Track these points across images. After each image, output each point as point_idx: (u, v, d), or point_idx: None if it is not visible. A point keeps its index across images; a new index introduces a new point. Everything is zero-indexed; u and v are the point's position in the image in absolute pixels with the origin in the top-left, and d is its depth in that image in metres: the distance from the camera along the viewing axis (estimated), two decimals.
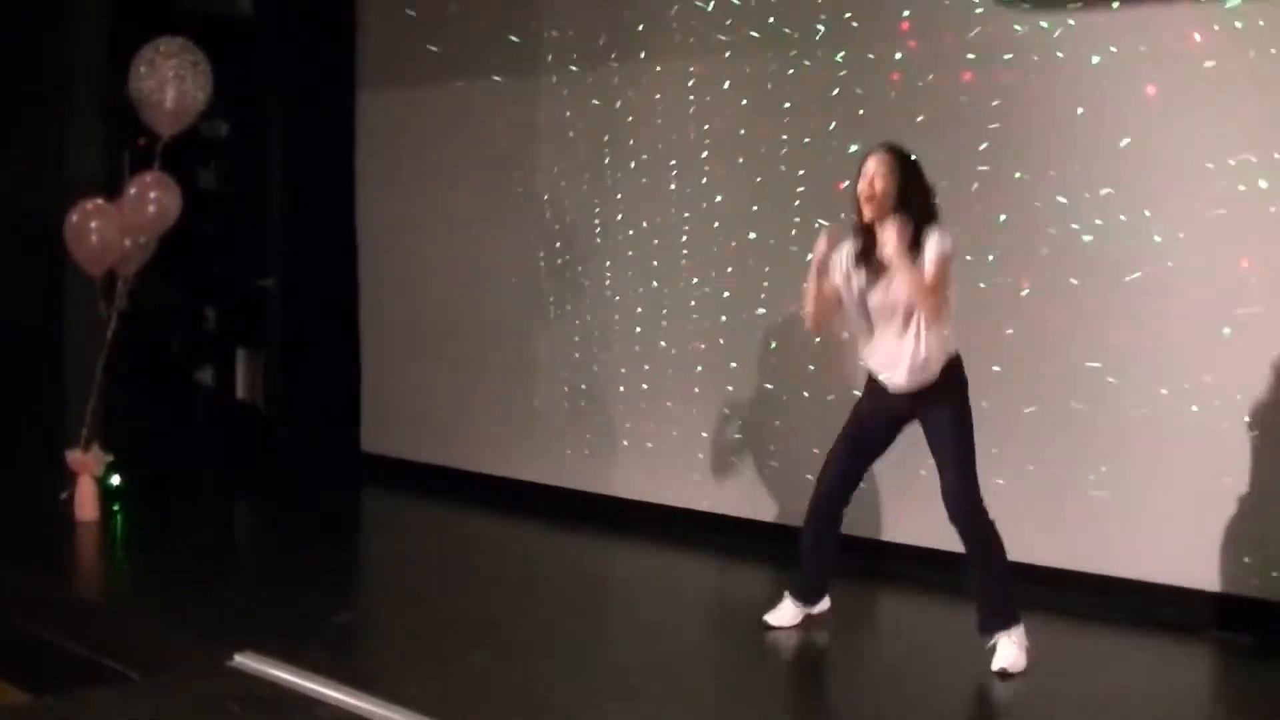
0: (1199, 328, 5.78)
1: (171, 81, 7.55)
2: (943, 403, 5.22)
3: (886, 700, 5.04)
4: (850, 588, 5.99)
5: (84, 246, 7.60)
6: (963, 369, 5.28)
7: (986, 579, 5.26)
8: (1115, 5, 5.93)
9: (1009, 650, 5.19)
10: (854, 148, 6.31)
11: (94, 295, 7.79)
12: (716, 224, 7.33)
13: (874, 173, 5.23)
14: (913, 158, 5.30)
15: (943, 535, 5.40)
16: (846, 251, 5.37)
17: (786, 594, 5.74)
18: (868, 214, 5.25)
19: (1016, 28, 6.22)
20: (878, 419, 5.41)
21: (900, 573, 6.53)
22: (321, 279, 9.27)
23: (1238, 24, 5.64)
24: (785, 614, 5.71)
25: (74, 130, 8.08)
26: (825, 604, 5.74)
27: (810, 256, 5.43)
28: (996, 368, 6.25)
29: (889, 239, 5.09)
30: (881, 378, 5.31)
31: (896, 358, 5.23)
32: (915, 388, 5.22)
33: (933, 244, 5.12)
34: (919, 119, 6.43)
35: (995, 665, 5.18)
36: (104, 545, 7.53)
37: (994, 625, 5.23)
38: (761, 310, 7.15)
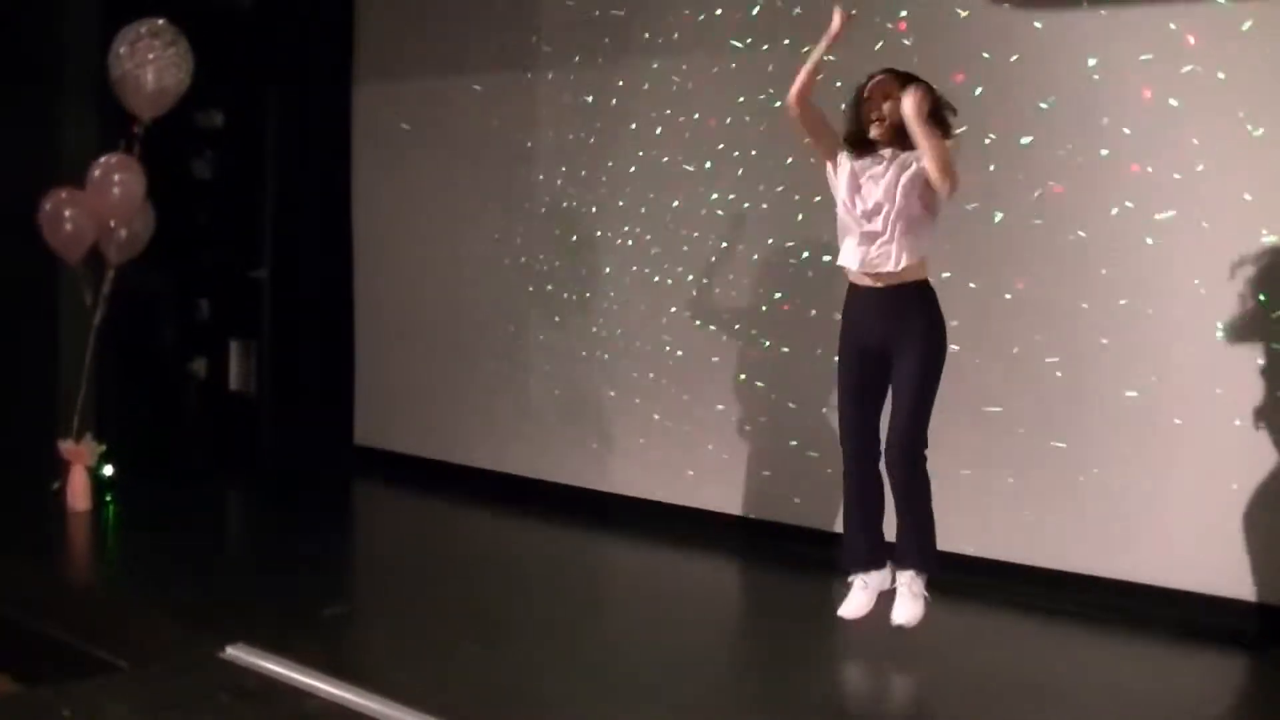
0: (1197, 330, 5.80)
1: (151, 63, 7.54)
2: (919, 340, 5.22)
3: (878, 695, 5.05)
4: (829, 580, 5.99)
5: (59, 234, 7.61)
6: (938, 304, 5.29)
7: (913, 517, 5.29)
8: (1105, 8, 5.95)
9: (909, 604, 5.29)
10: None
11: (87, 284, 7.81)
12: (712, 222, 7.33)
13: (880, 95, 5.24)
14: (917, 77, 5.26)
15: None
16: (843, 158, 5.36)
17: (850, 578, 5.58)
18: (874, 133, 5.28)
19: (1011, 27, 6.22)
20: (864, 360, 5.35)
21: None
22: (315, 271, 9.27)
23: (1231, 25, 5.65)
24: (854, 602, 5.52)
25: (68, 118, 8.10)
26: (886, 576, 5.52)
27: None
28: (990, 368, 6.27)
29: (909, 102, 5.06)
30: (864, 268, 5.26)
31: (882, 255, 5.21)
32: (887, 290, 5.23)
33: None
34: None
35: (895, 619, 5.29)
36: (96, 535, 7.53)
37: (910, 559, 5.33)
38: (764, 308, 7.15)
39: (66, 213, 7.62)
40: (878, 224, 5.22)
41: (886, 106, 5.23)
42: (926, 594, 5.34)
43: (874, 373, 5.34)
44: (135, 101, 7.64)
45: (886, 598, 5.45)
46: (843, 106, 5.39)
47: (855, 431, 5.41)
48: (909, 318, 5.24)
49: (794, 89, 5.33)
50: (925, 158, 5.08)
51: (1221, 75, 5.67)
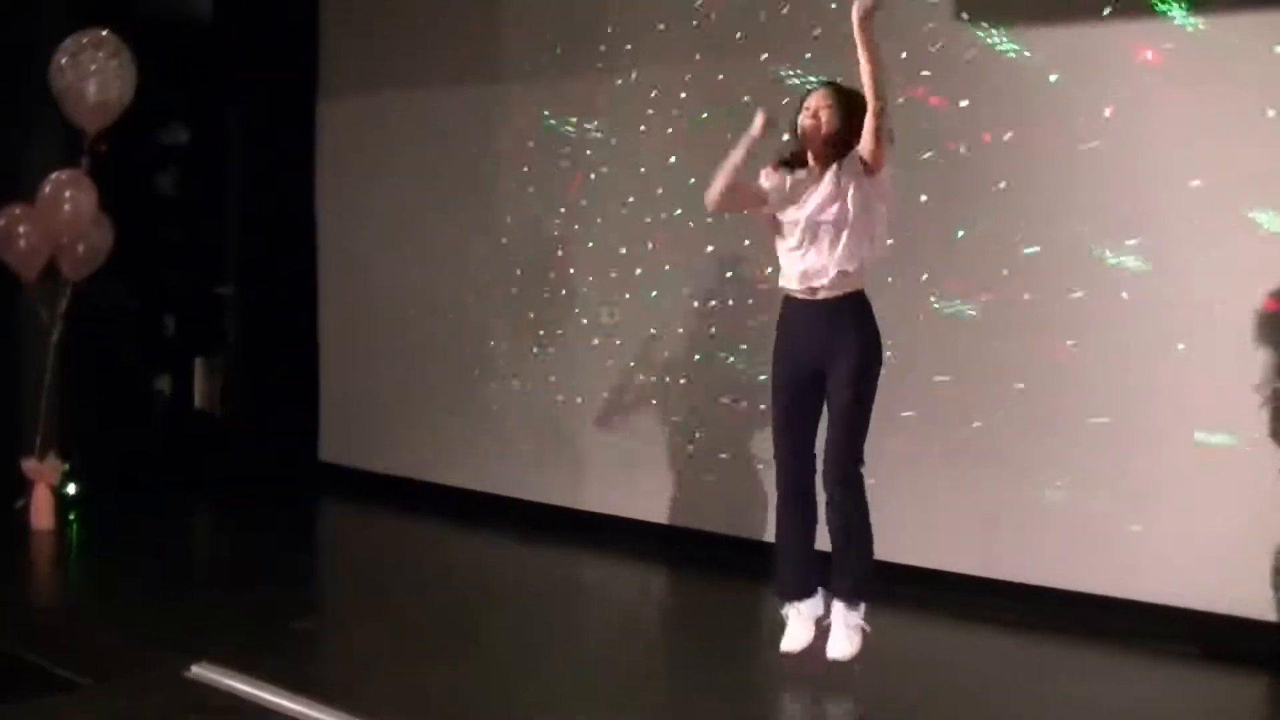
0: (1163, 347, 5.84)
1: (93, 75, 7.47)
2: (853, 354, 5.16)
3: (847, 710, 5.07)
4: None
5: (13, 251, 7.56)
6: (874, 317, 5.23)
7: (849, 542, 5.20)
8: (1068, 24, 5.99)
9: (843, 637, 5.20)
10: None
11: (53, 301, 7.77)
12: (678, 235, 7.34)
13: (818, 106, 5.20)
14: (855, 91, 5.18)
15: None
16: (781, 172, 5.33)
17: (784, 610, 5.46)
18: (812, 148, 5.23)
19: (974, 44, 6.26)
20: (797, 378, 5.28)
21: None
22: (281, 287, 9.23)
23: (1190, 41, 5.69)
24: (792, 635, 5.39)
25: (34, 138, 8.00)
26: (819, 604, 5.38)
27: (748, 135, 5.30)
28: (944, 380, 6.29)
29: (860, 4, 4.90)
30: (804, 285, 5.22)
31: (822, 268, 5.17)
32: (822, 304, 5.18)
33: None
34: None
35: (830, 654, 5.20)
36: (60, 554, 7.49)
37: (844, 590, 5.23)
38: (733, 322, 7.15)
39: (20, 229, 7.57)
40: (811, 236, 5.20)
41: (824, 116, 5.18)
42: (865, 624, 5.24)
43: (808, 390, 5.28)
44: (79, 114, 7.56)
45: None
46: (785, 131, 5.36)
47: (790, 452, 5.34)
48: (842, 331, 5.18)
49: (713, 193, 5.30)
50: (862, 75, 4.95)
51: (1185, 92, 5.70)
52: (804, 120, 5.23)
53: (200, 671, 5.08)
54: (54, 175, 7.60)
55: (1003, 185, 6.21)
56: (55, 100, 7.54)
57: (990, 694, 5.25)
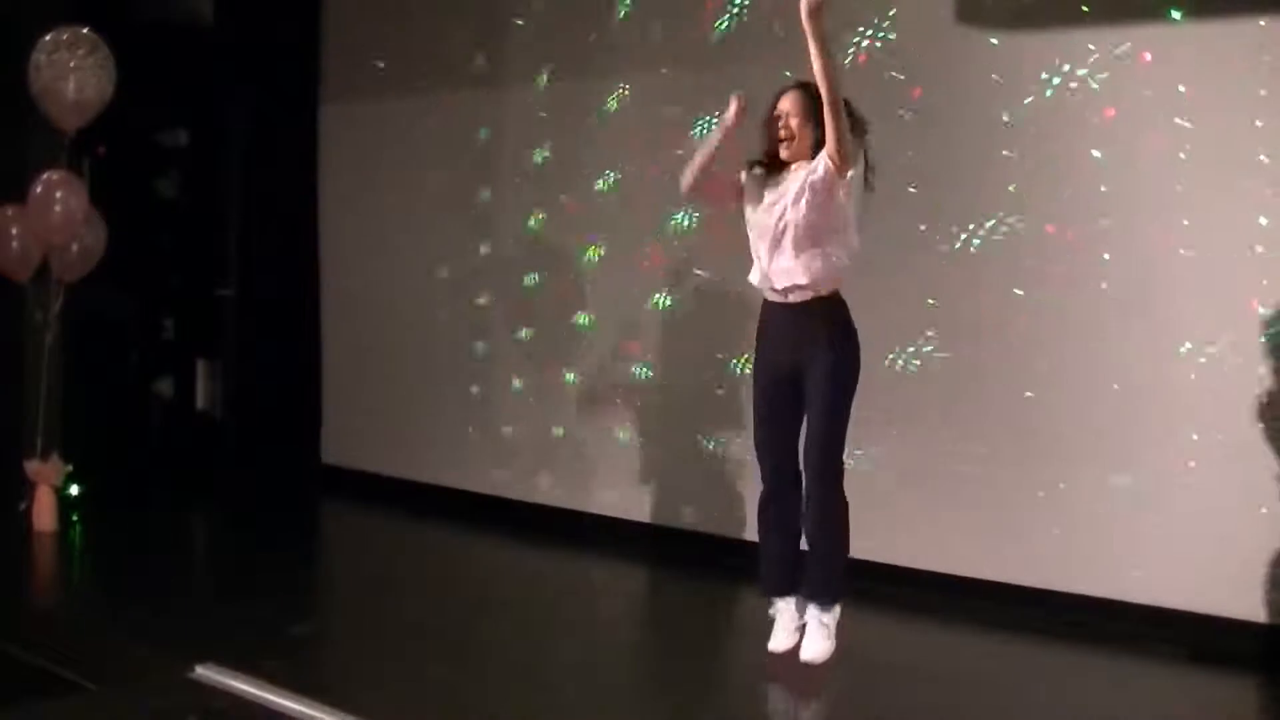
0: (1160, 348, 5.85)
1: (71, 73, 7.45)
2: (826, 352, 5.14)
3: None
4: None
5: (6, 253, 7.57)
6: (849, 317, 5.21)
7: (825, 543, 5.22)
8: (1068, 28, 6.01)
9: (817, 640, 5.22)
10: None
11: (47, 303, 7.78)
12: (673, 238, 7.36)
13: (789, 111, 5.20)
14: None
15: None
16: (755, 174, 5.33)
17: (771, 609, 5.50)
18: (784, 154, 5.23)
19: (974, 46, 6.28)
20: (777, 382, 5.27)
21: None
22: (282, 290, 9.25)
23: (1187, 42, 5.72)
24: (779, 635, 5.41)
25: (33, 141, 8.00)
26: (791, 607, 5.41)
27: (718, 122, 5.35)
28: (958, 387, 6.32)
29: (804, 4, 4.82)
30: (774, 287, 5.22)
31: (790, 271, 5.15)
32: (798, 306, 5.17)
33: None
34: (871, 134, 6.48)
35: (803, 656, 5.22)
36: (62, 556, 7.50)
37: (818, 591, 5.25)
38: (731, 326, 7.16)
39: (13, 230, 7.58)
40: (782, 239, 5.18)
41: (795, 124, 5.19)
42: (832, 623, 5.27)
43: (787, 394, 5.25)
44: (58, 113, 7.54)
45: None
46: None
47: (770, 454, 5.34)
48: (816, 334, 5.17)
49: (686, 177, 5.34)
50: (816, 76, 4.89)
51: (1181, 90, 5.72)
52: (774, 123, 5.24)
53: (204, 673, 5.10)
54: (44, 176, 7.59)
55: (1012, 189, 6.22)
56: (33, 99, 7.52)
57: (979, 696, 5.26)
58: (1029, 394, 6.17)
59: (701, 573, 7.05)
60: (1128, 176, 5.89)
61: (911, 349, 6.43)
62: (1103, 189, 5.95)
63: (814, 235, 5.13)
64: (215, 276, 9.43)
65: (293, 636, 5.76)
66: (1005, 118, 6.18)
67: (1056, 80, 6.04)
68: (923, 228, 6.39)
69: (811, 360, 5.16)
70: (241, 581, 6.96)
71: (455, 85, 8.38)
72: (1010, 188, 6.20)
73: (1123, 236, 5.92)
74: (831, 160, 5.04)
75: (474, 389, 8.36)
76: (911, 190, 6.36)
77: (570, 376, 7.87)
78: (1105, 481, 5.97)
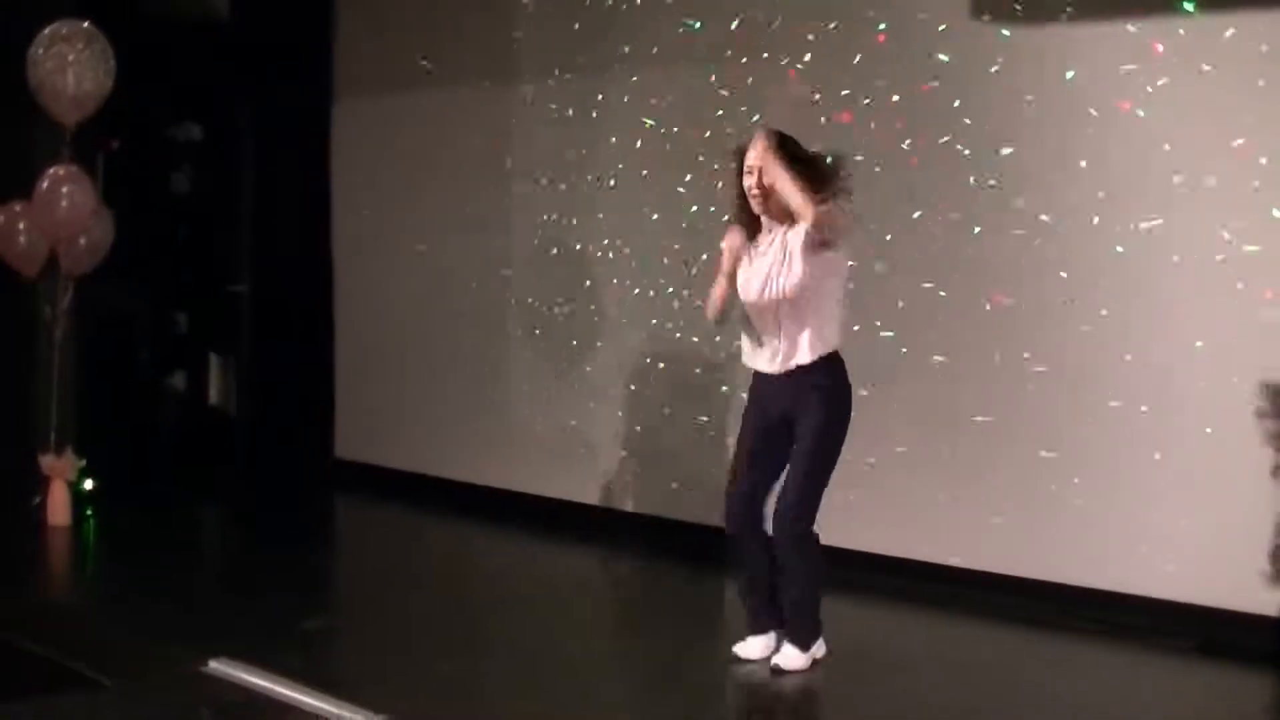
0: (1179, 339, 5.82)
1: (70, 67, 7.44)
2: (815, 408, 5.01)
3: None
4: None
5: (12, 248, 7.57)
6: (844, 373, 5.10)
7: (792, 594, 5.11)
8: (1074, 20, 5.98)
9: (791, 651, 5.14)
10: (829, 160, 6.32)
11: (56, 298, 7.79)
12: (689, 232, 7.34)
13: (758, 165, 4.99)
14: (791, 137, 5.03)
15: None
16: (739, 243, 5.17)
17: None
18: (757, 207, 5.06)
19: (988, 40, 6.26)
20: (766, 426, 5.15)
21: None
22: (295, 285, 9.26)
23: (1205, 35, 5.68)
24: (751, 645, 5.32)
25: (37, 136, 7.99)
26: (772, 641, 5.27)
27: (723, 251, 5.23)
28: (972, 379, 6.31)
29: (757, 146, 4.86)
30: (760, 367, 5.13)
31: (781, 350, 5.04)
32: (789, 374, 5.03)
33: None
34: (898, 126, 6.47)
35: (773, 661, 5.14)
36: (76, 550, 7.51)
37: (789, 633, 5.16)
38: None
39: (20, 225, 7.59)
40: (769, 316, 5.05)
41: (768, 181, 5.00)
42: (819, 653, 5.21)
43: (777, 439, 5.12)
44: (57, 107, 7.53)
45: None
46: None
47: (740, 497, 5.20)
48: (807, 394, 5.03)
49: (711, 313, 5.26)
50: (789, 204, 4.87)
51: (1198, 84, 5.70)
52: (746, 180, 5.06)
53: (217, 667, 5.10)
54: (51, 171, 7.59)
55: (1022, 203, 6.21)
56: (32, 93, 7.49)
57: (986, 688, 5.24)
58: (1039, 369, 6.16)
59: (716, 567, 7.03)
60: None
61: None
62: (1130, 177, 5.94)
63: (803, 308, 5.00)
64: (228, 271, 9.44)
65: (305, 631, 5.76)
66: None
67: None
68: (954, 218, 6.37)
69: (805, 414, 5.03)
70: (254, 576, 6.97)
71: (470, 80, 8.37)
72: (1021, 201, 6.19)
73: (1123, 233, 5.92)
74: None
75: (487, 384, 8.35)
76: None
77: (584, 370, 7.85)
78: (1118, 474, 5.95)
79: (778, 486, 5.18)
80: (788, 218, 5.01)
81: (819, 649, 5.23)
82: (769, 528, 5.13)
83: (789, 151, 4.98)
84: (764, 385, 5.18)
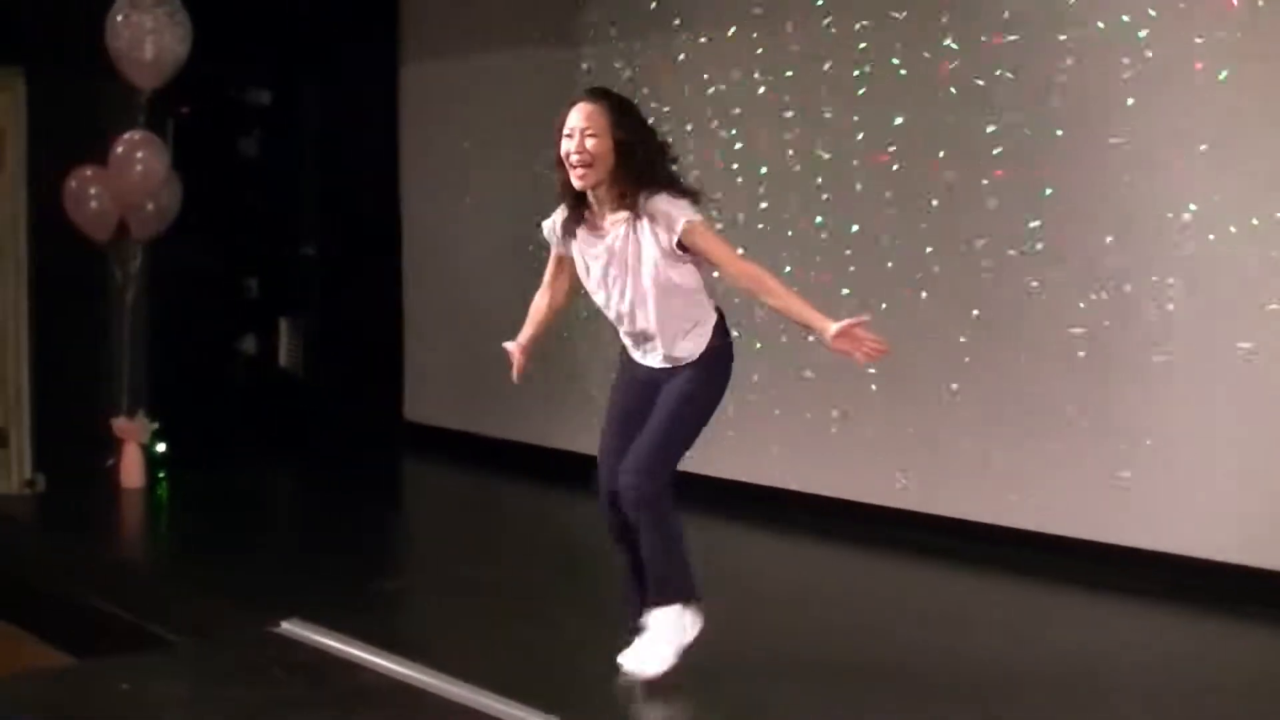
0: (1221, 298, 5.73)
1: (150, 34, 7.49)
2: (686, 370, 4.48)
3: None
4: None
5: (83, 212, 7.63)
6: (723, 334, 4.52)
7: (648, 550, 4.55)
8: None
9: (642, 645, 4.56)
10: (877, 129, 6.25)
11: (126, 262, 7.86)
12: (748, 197, 7.28)
13: (583, 129, 4.24)
14: (631, 102, 4.38)
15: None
16: (558, 222, 4.55)
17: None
18: (581, 182, 4.29)
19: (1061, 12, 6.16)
20: (636, 384, 4.64)
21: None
22: (364, 248, 9.30)
23: None
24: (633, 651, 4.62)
25: (110, 102, 8.03)
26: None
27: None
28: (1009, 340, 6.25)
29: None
30: (634, 356, 4.64)
31: (656, 351, 4.54)
32: (671, 364, 4.52)
33: (674, 213, 4.23)
34: (952, 92, 6.40)
35: (620, 658, 4.56)
36: (149, 512, 7.59)
37: (655, 597, 4.56)
38: (792, 277, 7.10)
39: (92, 190, 7.64)
40: (635, 321, 4.48)
41: (592, 144, 4.25)
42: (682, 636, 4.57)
43: (648, 397, 4.57)
44: (136, 74, 7.58)
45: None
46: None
47: (608, 458, 4.72)
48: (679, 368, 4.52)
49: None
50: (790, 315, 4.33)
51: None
52: (568, 149, 4.28)
53: (288, 628, 5.13)
54: (126, 136, 7.64)
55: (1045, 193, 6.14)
56: (111, 60, 7.54)
57: (1023, 644, 5.19)
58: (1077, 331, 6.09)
59: (789, 528, 7.02)
60: None
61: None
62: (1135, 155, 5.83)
63: (672, 307, 4.42)
64: (297, 235, 9.48)
65: (375, 592, 5.79)
66: None
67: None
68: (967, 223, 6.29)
69: (673, 377, 4.52)
70: (324, 538, 7.02)
71: (536, 44, 8.34)
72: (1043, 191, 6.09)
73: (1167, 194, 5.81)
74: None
75: (556, 345, 8.33)
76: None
77: None
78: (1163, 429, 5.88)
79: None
80: (622, 202, 4.33)
81: (691, 623, 4.62)
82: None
83: (630, 119, 4.32)
84: (635, 368, 4.70)
